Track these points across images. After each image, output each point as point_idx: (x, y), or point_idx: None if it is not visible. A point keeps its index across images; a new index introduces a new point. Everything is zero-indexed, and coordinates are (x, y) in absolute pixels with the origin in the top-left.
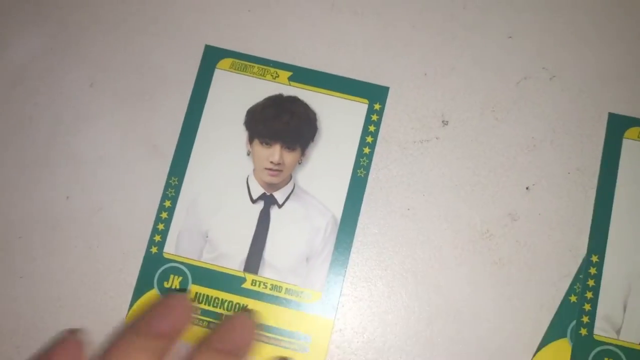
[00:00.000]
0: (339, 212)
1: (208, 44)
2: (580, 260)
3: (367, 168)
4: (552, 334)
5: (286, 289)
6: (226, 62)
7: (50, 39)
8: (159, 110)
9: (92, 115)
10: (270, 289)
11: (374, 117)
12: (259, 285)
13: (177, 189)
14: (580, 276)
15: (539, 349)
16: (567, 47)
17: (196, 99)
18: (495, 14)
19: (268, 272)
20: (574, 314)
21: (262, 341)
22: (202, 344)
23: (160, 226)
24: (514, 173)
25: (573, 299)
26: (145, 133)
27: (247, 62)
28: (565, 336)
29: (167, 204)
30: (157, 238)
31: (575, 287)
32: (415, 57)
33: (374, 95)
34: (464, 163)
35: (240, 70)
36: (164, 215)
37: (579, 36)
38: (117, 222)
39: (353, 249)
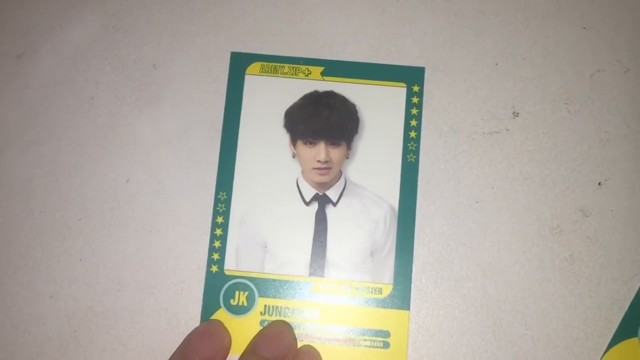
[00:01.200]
0: (395, 201)
1: (234, 51)
2: None
3: (417, 152)
4: (622, 334)
5: (355, 286)
6: (255, 66)
7: (113, 18)
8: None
9: (155, 97)
10: (340, 289)
11: (415, 100)
12: (328, 288)
13: (227, 203)
14: None
15: (608, 348)
16: None
17: (231, 109)
18: (570, 4)
19: (334, 272)
20: None
21: (339, 343)
22: (248, 352)
23: (217, 243)
24: (586, 168)
25: None
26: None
27: (277, 63)
28: (635, 335)
29: (220, 219)
30: (216, 256)
31: None
32: (486, 46)
33: (411, 77)
34: (535, 156)
35: (271, 73)
36: (219, 231)
37: None
38: (177, 207)
39: (416, 239)
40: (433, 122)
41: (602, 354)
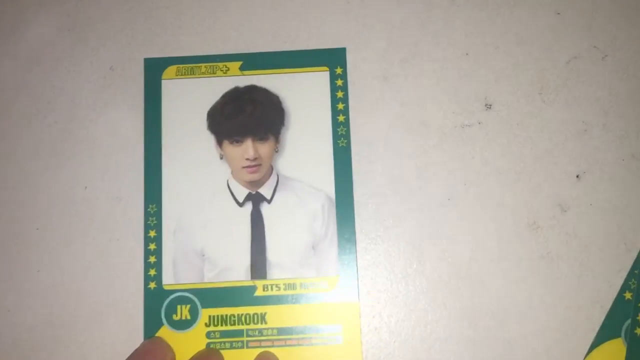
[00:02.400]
0: (331, 189)
1: (147, 56)
2: (635, 254)
3: (347, 136)
4: (605, 334)
5: (301, 283)
6: (171, 70)
7: (69, 19)
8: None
9: (112, 100)
10: (285, 289)
11: (339, 82)
12: (272, 289)
13: (158, 215)
14: (636, 271)
15: (590, 349)
16: (620, 24)
17: (151, 117)
18: None
19: (277, 272)
20: (628, 312)
21: (292, 345)
22: None
23: (152, 258)
24: (563, 160)
25: (628, 295)
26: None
27: (193, 64)
28: (619, 335)
29: (152, 233)
30: (152, 272)
31: (630, 283)
32: (456, 35)
33: (332, 60)
34: (509, 149)
35: (188, 74)
36: (152, 246)
37: (633, 12)
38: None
39: (357, 225)
40: (401, 116)
41: (583, 356)
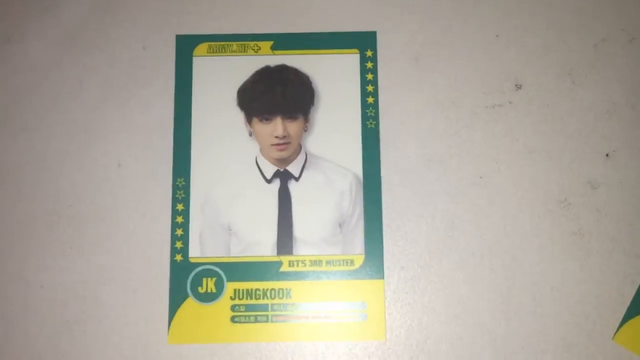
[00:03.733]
0: (359, 169)
1: (178, 33)
2: None
3: (376, 118)
4: (635, 309)
5: (326, 261)
6: (202, 47)
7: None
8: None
9: (144, 79)
10: (310, 266)
11: (369, 65)
12: (298, 265)
13: (186, 189)
14: None
15: (622, 323)
16: None
17: (181, 93)
18: None
19: (303, 249)
20: None
21: (317, 320)
22: None
23: (179, 231)
24: (592, 139)
25: None
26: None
27: (224, 42)
28: None
29: (180, 207)
30: (179, 244)
31: None
32: (486, 18)
33: (363, 43)
34: (539, 129)
35: (220, 52)
36: (179, 219)
37: None
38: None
39: (384, 205)
40: (434, 97)
41: (615, 329)
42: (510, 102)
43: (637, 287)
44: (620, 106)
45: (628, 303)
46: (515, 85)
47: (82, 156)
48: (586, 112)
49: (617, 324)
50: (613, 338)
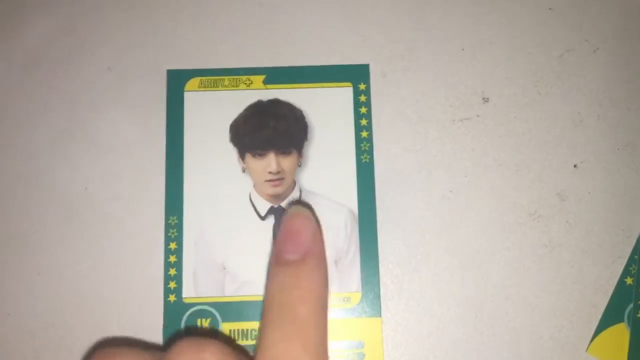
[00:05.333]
0: (354, 204)
1: (170, 68)
2: (634, 240)
3: (370, 152)
4: (608, 320)
5: None
6: (194, 82)
7: (66, 20)
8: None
9: (111, 101)
10: None
11: (362, 98)
12: None
13: (179, 227)
14: (636, 257)
15: (595, 335)
16: (610, 19)
17: (173, 129)
18: None
19: None
20: (630, 297)
21: None
22: (274, 262)
23: (172, 271)
24: (560, 150)
25: (629, 281)
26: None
27: (216, 76)
28: (622, 320)
29: (173, 246)
30: (172, 285)
31: (630, 268)
32: (452, 31)
33: (356, 76)
34: (508, 141)
35: (211, 87)
36: (172, 258)
37: (622, 6)
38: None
39: (383, 240)
40: (401, 112)
41: (589, 341)
42: (478, 116)
43: (609, 297)
44: (587, 117)
45: (600, 314)
46: (483, 99)
47: (49, 179)
48: (553, 123)
49: (591, 336)
50: (587, 350)
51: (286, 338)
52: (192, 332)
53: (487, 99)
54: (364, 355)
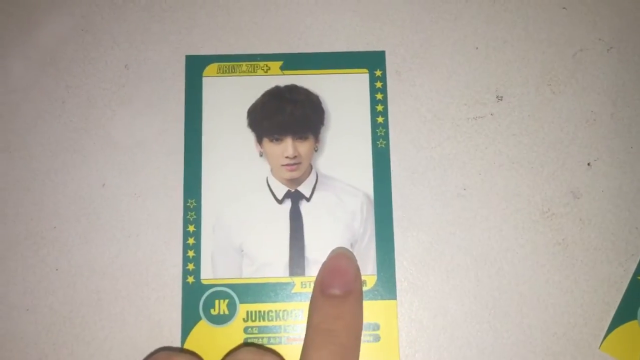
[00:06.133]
0: (370, 189)
1: (188, 54)
2: None
3: (386, 138)
4: (621, 317)
5: None
6: (212, 68)
7: (82, 19)
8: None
9: (128, 99)
10: None
11: (378, 84)
12: (310, 286)
13: (197, 210)
14: None
15: (608, 332)
16: (623, 17)
17: (191, 114)
18: None
19: (315, 269)
20: None
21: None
22: (317, 294)
23: (190, 253)
24: (574, 149)
25: None
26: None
27: (234, 62)
28: (635, 318)
29: (191, 228)
30: (191, 266)
31: None
32: (465, 30)
33: (372, 62)
34: (521, 140)
35: (229, 73)
36: (191, 241)
37: (636, 4)
38: (150, 216)
39: (400, 228)
40: (416, 110)
41: (602, 338)
42: (491, 114)
43: (622, 295)
44: (600, 115)
45: (613, 312)
46: (497, 97)
47: (66, 176)
48: (566, 121)
49: (604, 333)
50: (600, 347)
51: (332, 358)
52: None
53: (501, 97)
54: (380, 337)
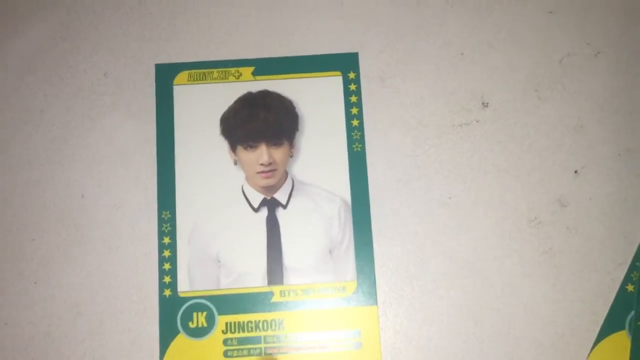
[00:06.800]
0: (347, 194)
1: (158, 62)
2: (636, 247)
3: (362, 141)
4: (609, 327)
5: (318, 289)
6: (182, 76)
7: (61, 27)
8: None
9: (107, 108)
10: (302, 294)
11: (352, 87)
12: (289, 295)
13: (172, 222)
14: (637, 263)
15: (596, 343)
16: (611, 22)
17: (163, 123)
18: None
19: (294, 278)
20: (631, 305)
21: (311, 350)
22: None
23: (167, 265)
24: (561, 156)
25: (630, 288)
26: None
27: (205, 69)
28: (623, 328)
29: (167, 240)
30: (167, 279)
31: (631, 275)
32: (451, 36)
33: (345, 64)
34: (507, 147)
35: (200, 80)
36: (167, 253)
37: (624, 10)
38: (134, 222)
39: (379, 232)
40: (400, 117)
41: (589, 349)
42: (477, 121)
43: (609, 305)
44: (588, 121)
45: (601, 322)
46: (482, 103)
47: (45, 186)
48: (553, 128)
49: (592, 344)
50: (587, 358)
51: None
52: None
53: (487, 103)
54: (361, 344)
